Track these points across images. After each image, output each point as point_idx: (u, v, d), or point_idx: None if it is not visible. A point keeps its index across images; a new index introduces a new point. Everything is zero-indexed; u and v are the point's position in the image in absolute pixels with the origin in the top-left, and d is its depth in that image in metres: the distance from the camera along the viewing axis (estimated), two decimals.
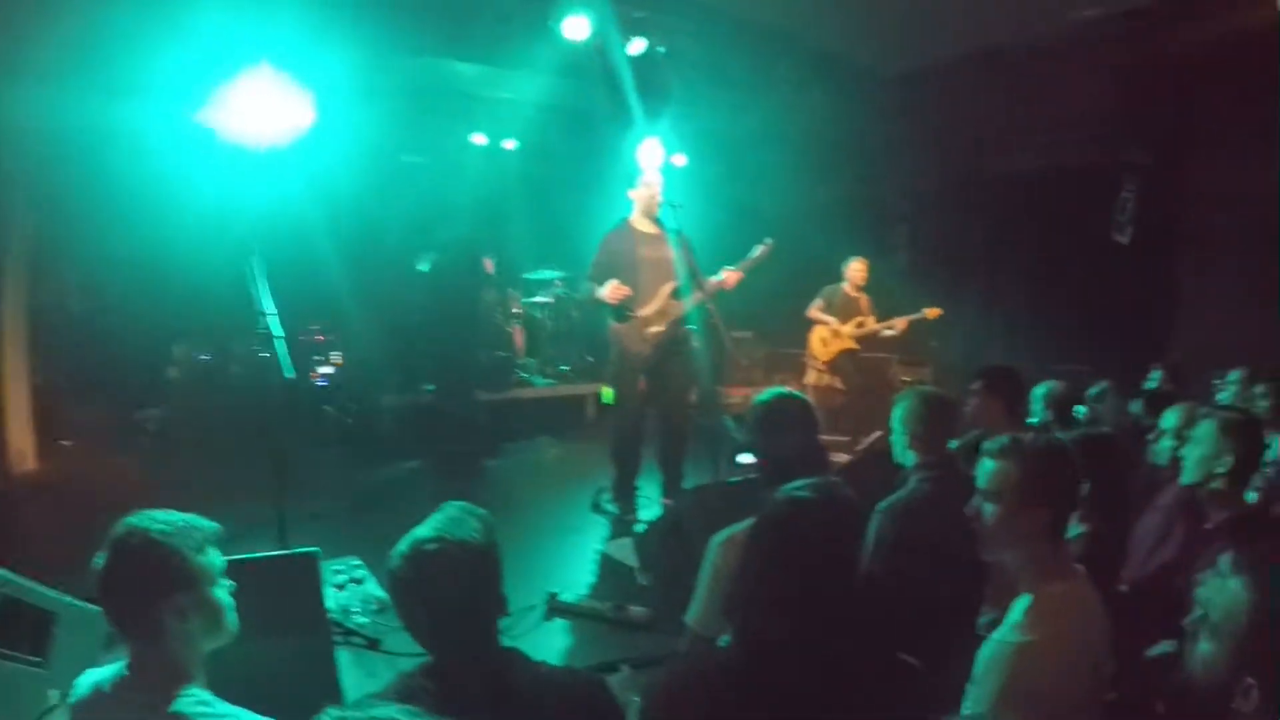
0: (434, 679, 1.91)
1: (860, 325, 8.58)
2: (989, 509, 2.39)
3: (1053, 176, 8.67)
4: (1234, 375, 5.92)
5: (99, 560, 1.99)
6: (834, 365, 8.68)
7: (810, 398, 3.44)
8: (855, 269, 8.67)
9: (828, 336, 8.66)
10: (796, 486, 2.13)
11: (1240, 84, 6.69)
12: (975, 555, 3.06)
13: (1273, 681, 1.62)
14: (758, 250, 6.01)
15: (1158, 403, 5.01)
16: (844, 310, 8.65)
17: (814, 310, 8.75)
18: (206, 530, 2.09)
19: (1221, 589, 1.80)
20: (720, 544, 2.98)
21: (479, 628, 1.97)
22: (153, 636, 1.97)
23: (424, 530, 1.96)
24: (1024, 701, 2.09)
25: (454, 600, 1.91)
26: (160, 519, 2.02)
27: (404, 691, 1.87)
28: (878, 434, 7.33)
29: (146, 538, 1.98)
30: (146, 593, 1.96)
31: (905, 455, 3.61)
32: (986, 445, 2.48)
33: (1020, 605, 2.27)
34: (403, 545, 1.95)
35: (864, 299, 8.70)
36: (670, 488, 6.25)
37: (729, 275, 5.93)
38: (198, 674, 2.06)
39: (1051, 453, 2.41)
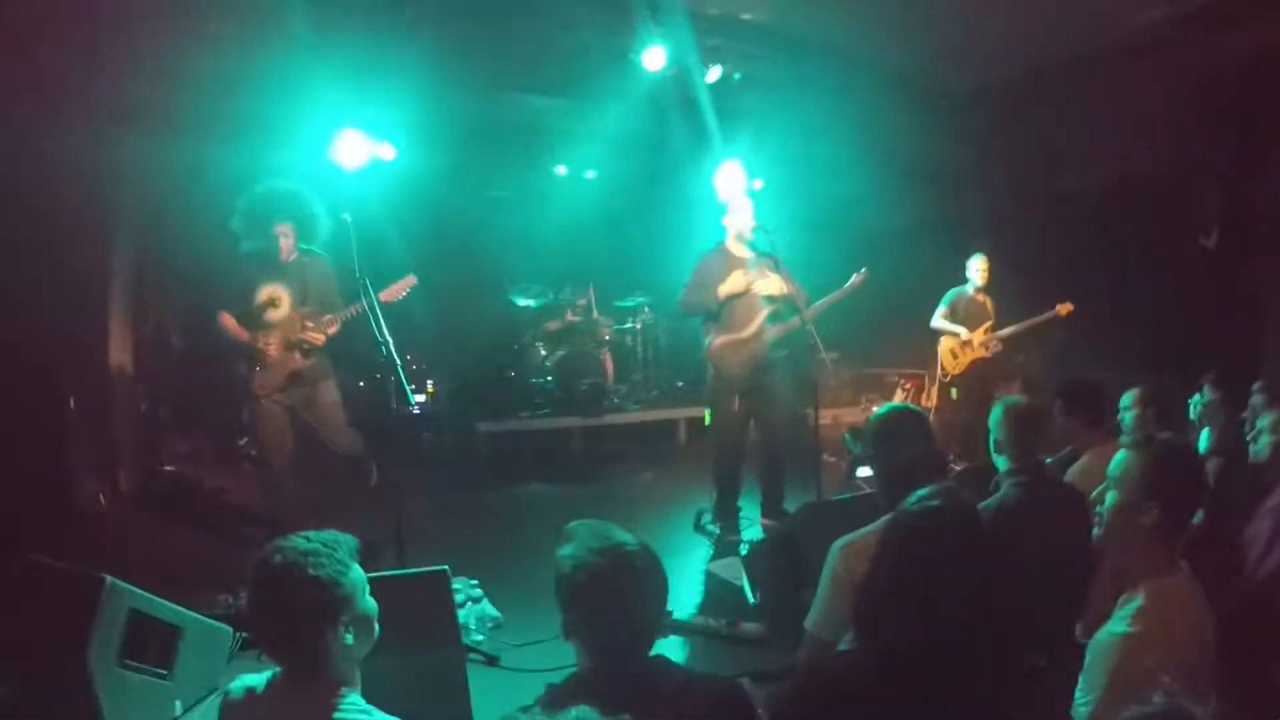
0: (584, 689, 1.94)
1: (987, 333, 7.99)
2: (1110, 497, 2.43)
3: (1131, 186, 8.52)
4: None
5: (251, 596, 2.10)
6: (963, 382, 8.15)
7: (938, 422, 3.55)
8: (978, 267, 8.06)
9: (957, 348, 8.08)
10: (924, 494, 2.22)
11: None
12: (1071, 559, 3.15)
13: None
14: (854, 278, 6.07)
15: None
16: (970, 316, 8.06)
17: (939, 320, 8.16)
18: (348, 546, 2.17)
19: None
20: (841, 549, 3.04)
21: (644, 633, 2.07)
22: (314, 658, 2.07)
23: (603, 538, 2.06)
24: (1130, 695, 2.08)
25: (638, 600, 2.02)
26: (305, 548, 2.08)
27: (556, 702, 1.91)
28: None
29: (303, 573, 2.04)
30: (309, 625, 2.04)
31: (998, 461, 3.73)
32: (1123, 438, 2.53)
33: (1129, 600, 2.32)
34: (593, 543, 2.04)
35: (989, 301, 8.13)
36: (770, 508, 6.29)
37: (813, 311, 5.98)
38: (355, 681, 2.17)
39: (1174, 451, 2.45)
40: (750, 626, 4.52)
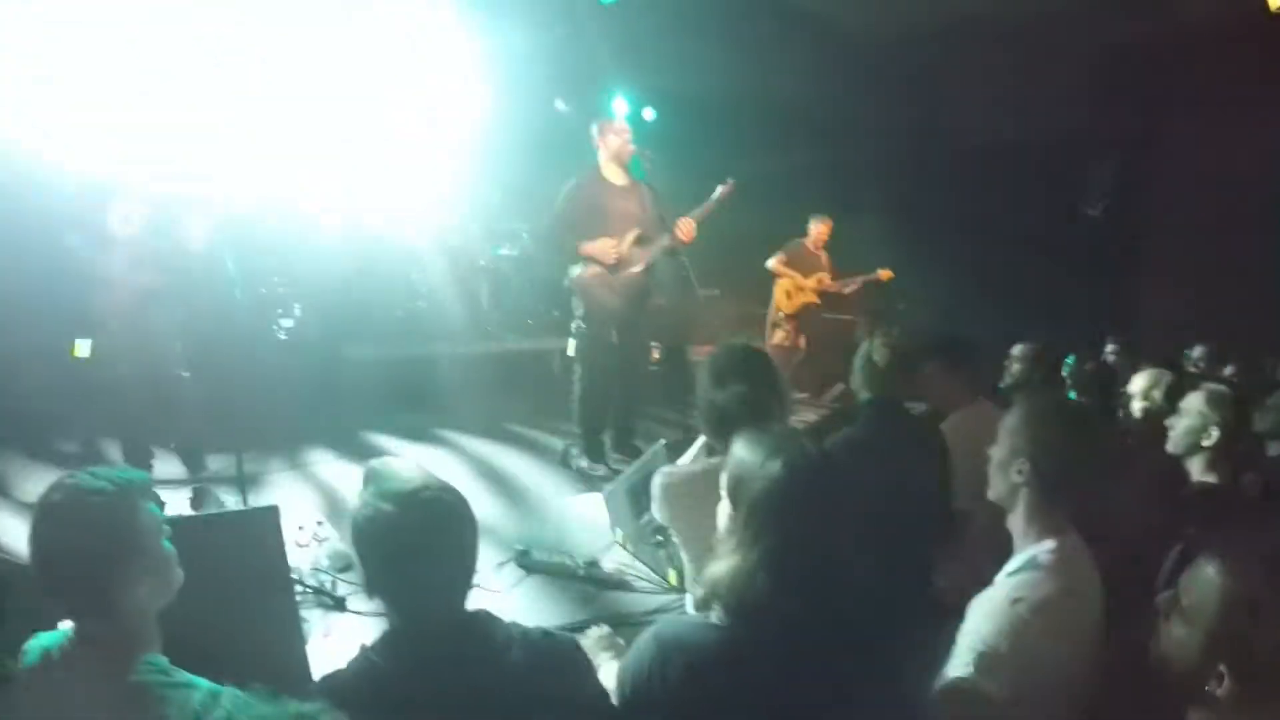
0: (393, 649, 1.82)
1: (820, 281, 8.97)
2: (994, 452, 2.40)
3: (1029, 146, 8.73)
4: (1199, 351, 6.04)
5: (32, 537, 1.83)
6: (798, 320, 8.99)
7: (774, 356, 3.46)
8: (817, 228, 9.04)
9: (791, 289, 9.03)
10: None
11: (1224, 63, 6.73)
12: (919, 501, 3.13)
13: (1245, 670, 1.57)
14: (718, 191, 5.90)
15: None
16: (803, 266, 9.02)
17: (775, 263, 9.09)
18: (139, 482, 1.93)
19: (1197, 573, 1.74)
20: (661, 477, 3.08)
21: (452, 585, 1.88)
22: (103, 606, 1.83)
23: (396, 481, 1.86)
24: (1011, 659, 2.05)
25: (441, 550, 1.83)
26: (88, 484, 1.85)
27: (359, 669, 1.80)
28: (840, 387, 7.65)
29: (83, 504, 1.82)
30: (91, 563, 1.82)
31: (859, 395, 3.77)
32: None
33: (1013, 561, 2.28)
34: (386, 488, 1.85)
35: (824, 256, 9.11)
36: (622, 444, 6.21)
37: (686, 225, 5.76)
38: (153, 639, 1.93)
39: (1044, 406, 2.45)
40: (610, 567, 4.36)
